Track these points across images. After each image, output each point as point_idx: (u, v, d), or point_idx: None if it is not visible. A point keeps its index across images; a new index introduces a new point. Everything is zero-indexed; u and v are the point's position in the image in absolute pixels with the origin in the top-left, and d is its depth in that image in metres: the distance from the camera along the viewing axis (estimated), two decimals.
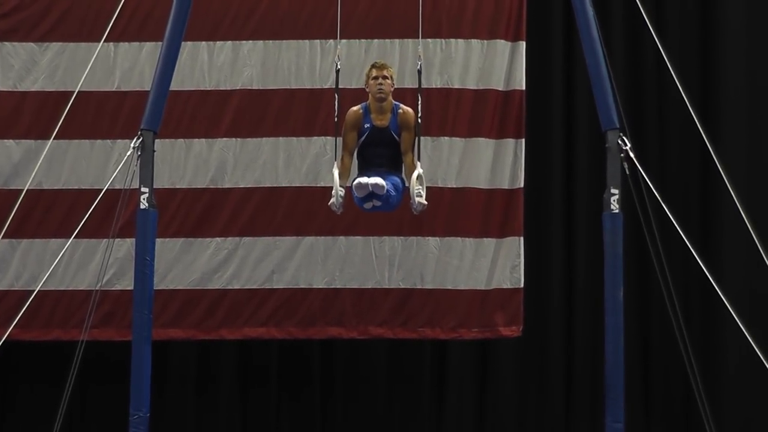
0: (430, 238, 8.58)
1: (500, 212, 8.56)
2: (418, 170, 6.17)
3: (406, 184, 6.36)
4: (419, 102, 6.20)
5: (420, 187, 6.21)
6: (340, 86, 6.49)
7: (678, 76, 6.97)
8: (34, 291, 7.03)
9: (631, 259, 7.99)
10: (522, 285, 8.50)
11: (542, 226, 8.92)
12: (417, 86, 6.22)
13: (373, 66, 6.50)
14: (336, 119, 6.16)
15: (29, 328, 8.13)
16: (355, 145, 6.44)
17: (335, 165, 6.31)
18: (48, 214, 8.49)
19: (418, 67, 6.33)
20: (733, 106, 8.89)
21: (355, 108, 6.52)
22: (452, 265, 8.57)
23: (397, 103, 6.50)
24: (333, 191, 6.32)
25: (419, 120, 6.18)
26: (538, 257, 8.84)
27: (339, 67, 6.26)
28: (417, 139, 6.26)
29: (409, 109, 6.36)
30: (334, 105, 6.19)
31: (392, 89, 6.44)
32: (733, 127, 8.86)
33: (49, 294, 8.22)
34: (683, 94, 6.89)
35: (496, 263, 8.55)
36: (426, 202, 6.26)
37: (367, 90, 6.49)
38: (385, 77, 6.37)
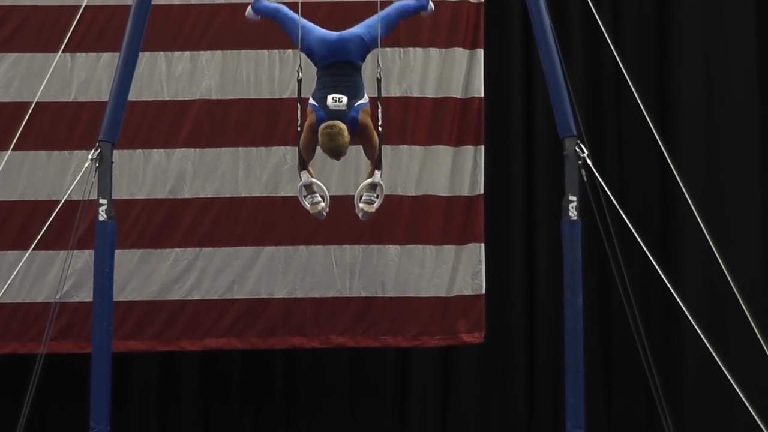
0: (390, 246, 8.59)
1: (461, 219, 8.59)
2: (375, 178, 6.09)
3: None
4: (379, 110, 6.17)
5: (372, 194, 6.08)
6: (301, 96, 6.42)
7: (635, 84, 7.04)
8: None
9: (591, 266, 8.04)
10: (483, 291, 8.53)
11: (503, 232, 8.96)
12: (377, 95, 6.19)
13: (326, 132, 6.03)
14: (299, 128, 6.11)
15: None
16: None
17: (304, 173, 6.10)
18: (4, 225, 8.40)
19: (378, 75, 6.31)
20: (690, 113, 8.98)
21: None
22: (413, 273, 8.58)
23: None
24: (309, 199, 6.08)
25: (380, 128, 6.14)
26: (499, 263, 8.88)
27: (301, 76, 6.23)
28: (379, 147, 6.18)
29: (368, 122, 6.10)
30: (297, 115, 6.14)
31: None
32: (690, 134, 8.94)
33: (4, 306, 8.15)
34: (639, 102, 6.95)
35: (458, 270, 8.58)
36: (372, 211, 6.09)
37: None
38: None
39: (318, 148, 6.09)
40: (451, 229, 8.59)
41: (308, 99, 6.09)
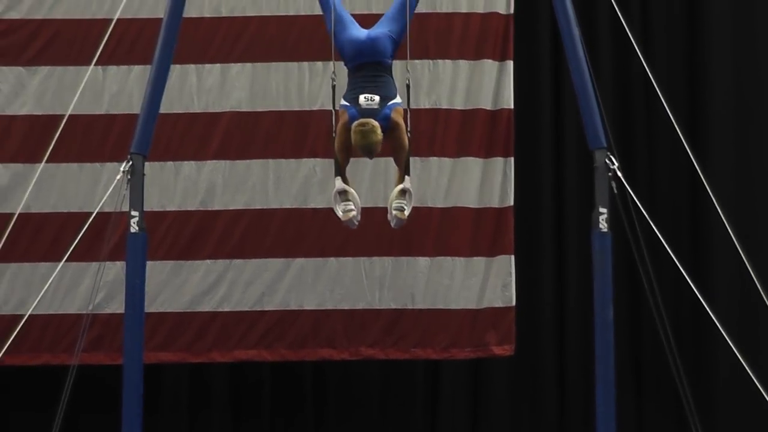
0: (420, 258, 8.58)
1: (490, 231, 8.57)
2: (405, 184, 6.06)
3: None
4: (408, 116, 6.17)
5: (403, 201, 6.05)
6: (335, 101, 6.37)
7: (665, 95, 7.01)
8: (21, 315, 7.01)
9: (621, 277, 8.01)
10: (513, 303, 8.50)
11: (533, 244, 8.94)
12: (407, 101, 6.18)
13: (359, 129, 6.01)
14: (333, 134, 6.11)
15: (18, 353, 8.06)
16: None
17: (338, 179, 6.07)
18: (36, 237, 8.46)
19: (407, 82, 6.29)
20: (721, 124, 8.93)
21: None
22: (443, 285, 8.57)
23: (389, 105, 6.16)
24: (341, 206, 6.04)
25: (409, 134, 6.13)
26: (529, 275, 8.85)
27: (335, 82, 6.23)
28: (408, 151, 6.18)
29: (401, 122, 6.08)
30: (331, 120, 6.15)
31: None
32: (721, 145, 8.90)
33: (37, 318, 8.17)
34: (669, 113, 6.92)
35: (487, 282, 8.56)
36: (404, 217, 6.05)
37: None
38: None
39: (353, 149, 6.03)
40: (480, 240, 8.58)
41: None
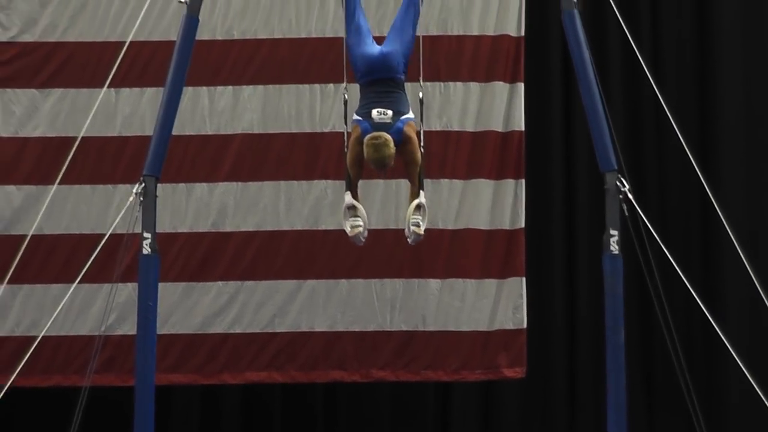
0: (431, 279, 8.58)
1: (501, 253, 8.57)
2: (420, 199, 6.07)
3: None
4: (421, 131, 6.19)
5: (419, 216, 6.08)
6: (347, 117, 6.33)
7: (675, 117, 7.01)
8: (34, 336, 7.02)
9: (632, 300, 8.00)
10: (525, 326, 8.49)
11: (544, 266, 8.93)
12: (420, 116, 6.20)
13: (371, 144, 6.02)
14: (345, 149, 6.14)
15: (30, 374, 8.06)
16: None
17: (348, 194, 6.09)
18: (49, 259, 8.49)
19: (420, 96, 6.32)
20: (731, 146, 8.93)
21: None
22: (454, 307, 8.57)
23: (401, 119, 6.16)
24: (350, 222, 6.07)
25: (422, 148, 6.15)
26: (540, 298, 8.84)
27: (347, 98, 6.25)
28: (421, 165, 6.20)
29: (413, 136, 6.10)
30: (343, 136, 6.17)
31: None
32: (732, 167, 8.89)
33: (49, 339, 8.15)
34: (680, 136, 6.93)
35: (498, 304, 8.55)
36: (422, 233, 6.08)
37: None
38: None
39: (366, 162, 6.04)
40: (491, 262, 8.58)
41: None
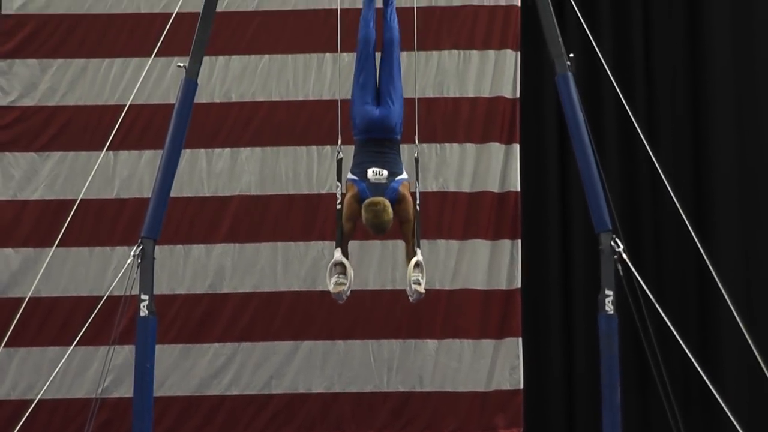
0: (428, 340, 8.58)
1: (498, 313, 8.59)
2: (418, 257, 6.12)
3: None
4: (417, 190, 6.25)
5: (418, 274, 6.14)
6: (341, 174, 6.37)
7: (669, 179, 7.06)
8: (30, 400, 6.97)
9: (629, 360, 7.98)
10: (522, 386, 8.48)
11: (540, 326, 8.92)
12: (415, 174, 6.28)
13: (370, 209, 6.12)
14: (338, 206, 6.19)
15: None
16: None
17: (338, 251, 6.17)
18: (46, 321, 8.49)
19: (416, 155, 6.40)
20: (725, 208, 8.95)
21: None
22: (451, 367, 8.56)
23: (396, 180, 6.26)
24: (334, 279, 6.14)
25: (417, 207, 6.21)
26: (537, 357, 8.82)
27: (341, 155, 6.32)
28: (416, 226, 6.25)
29: (408, 195, 6.22)
30: (337, 193, 6.23)
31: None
32: (726, 228, 8.91)
33: (45, 403, 8.12)
34: (674, 197, 6.97)
35: (495, 364, 8.55)
36: (423, 291, 6.15)
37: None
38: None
39: (361, 224, 6.13)
40: (489, 323, 8.58)
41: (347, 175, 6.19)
